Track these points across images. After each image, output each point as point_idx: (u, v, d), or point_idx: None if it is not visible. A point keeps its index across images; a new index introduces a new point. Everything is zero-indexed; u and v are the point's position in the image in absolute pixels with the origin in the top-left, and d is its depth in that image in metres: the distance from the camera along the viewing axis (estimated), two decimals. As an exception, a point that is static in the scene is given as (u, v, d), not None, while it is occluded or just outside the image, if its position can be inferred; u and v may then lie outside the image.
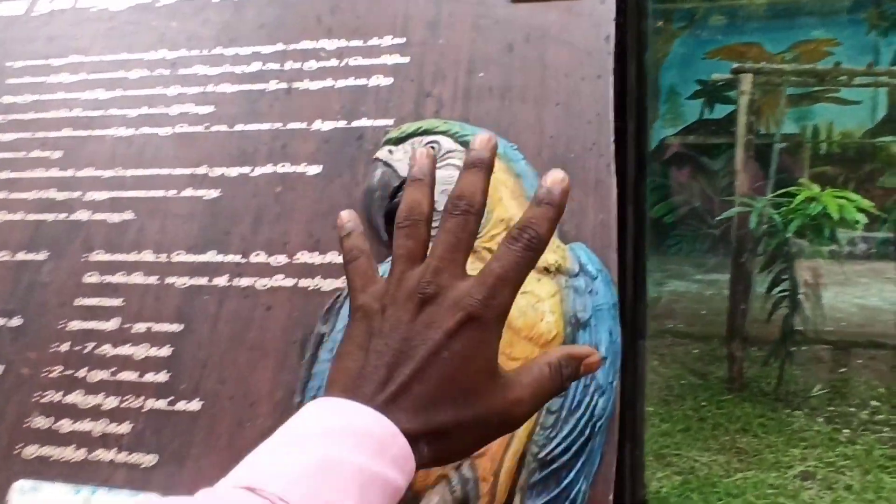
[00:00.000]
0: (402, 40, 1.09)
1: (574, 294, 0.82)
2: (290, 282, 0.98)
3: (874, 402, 4.97)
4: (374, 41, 1.10)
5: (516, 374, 0.57)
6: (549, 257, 0.84)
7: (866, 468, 4.06)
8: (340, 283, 0.95)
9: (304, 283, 0.97)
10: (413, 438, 0.52)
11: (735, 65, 5.37)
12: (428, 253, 0.59)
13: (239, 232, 1.03)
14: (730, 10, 9.26)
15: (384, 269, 0.88)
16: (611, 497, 0.76)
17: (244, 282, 0.99)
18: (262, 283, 0.99)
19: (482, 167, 0.61)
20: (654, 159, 9.51)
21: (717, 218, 5.93)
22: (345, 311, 0.88)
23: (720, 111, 9.15)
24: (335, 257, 0.97)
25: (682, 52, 9.37)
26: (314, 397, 0.86)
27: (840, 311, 6.74)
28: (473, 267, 0.60)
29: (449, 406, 0.53)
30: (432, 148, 0.93)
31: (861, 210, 4.51)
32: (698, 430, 4.70)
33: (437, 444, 0.53)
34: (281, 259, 0.99)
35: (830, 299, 7.15)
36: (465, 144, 0.92)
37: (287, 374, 0.92)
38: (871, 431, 4.55)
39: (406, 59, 1.07)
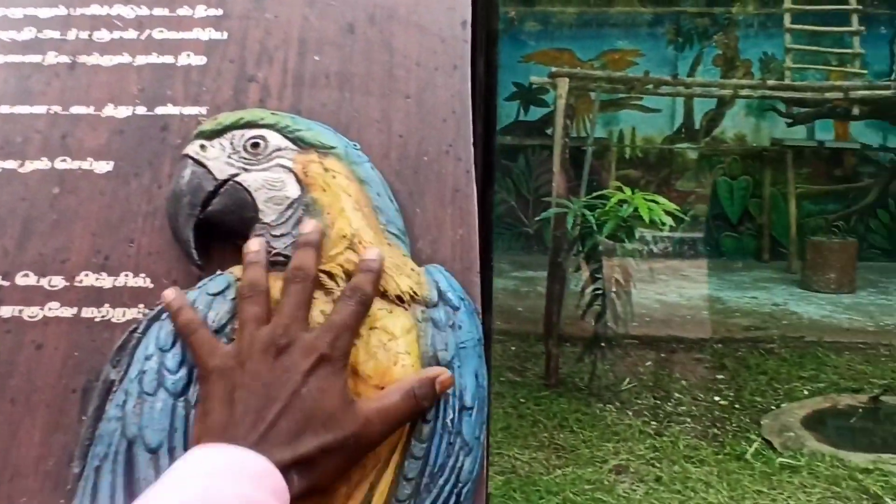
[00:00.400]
0: (219, 12, 0.89)
1: (433, 329, 0.67)
2: (68, 311, 0.76)
3: (677, 395, 5.25)
4: (183, 10, 0.90)
5: (368, 400, 0.64)
6: (402, 283, 0.69)
7: (673, 459, 4.26)
8: (136, 313, 0.74)
9: (87, 312, 0.75)
10: (285, 469, 0.59)
11: (552, 69, 5.46)
12: (274, 314, 0.66)
13: (0, 245, 0.79)
14: (544, 16, 9.55)
15: (193, 295, 0.70)
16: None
17: (4, 311, 0.76)
18: (30, 312, 0.76)
19: (313, 245, 0.69)
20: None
21: (537, 218, 6.04)
22: (142, 351, 0.68)
23: (534, 114, 9.41)
24: (130, 279, 0.76)
25: (501, 54, 9.54)
26: (98, 468, 0.66)
27: (644, 308, 7.11)
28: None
29: (312, 436, 0.61)
30: (257, 144, 0.75)
31: (667, 212, 4.75)
32: (518, 428, 4.74)
33: (306, 472, 0.60)
34: (57, 282, 0.77)
35: (635, 297, 7.53)
36: (296, 141, 0.75)
37: (62, 434, 0.70)
38: (676, 423, 4.79)
39: (223, 35, 0.88)
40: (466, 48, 0.88)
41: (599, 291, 4.96)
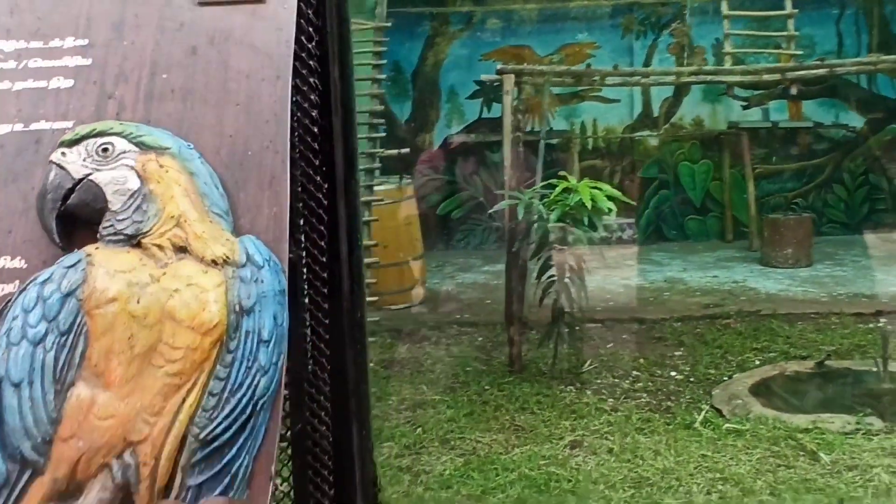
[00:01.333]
0: (85, 41, 1.09)
1: (240, 283, 0.87)
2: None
3: (635, 372, 5.46)
4: (55, 42, 1.09)
5: None
6: (217, 250, 0.89)
7: (625, 432, 4.46)
8: (12, 288, 0.94)
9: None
10: None
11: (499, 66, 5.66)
12: None
13: None
14: (504, 14, 9.74)
15: (51, 269, 0.89)
16: (273, 469, 0.82)
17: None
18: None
19: None
20: (440, 157, 9.84)
21: (489, 212, 6.24)
22: (11, 313, 0.88)
23: (497, 110, 9.56)
24: (8, 262, 0.96)
25: (461, 54, 9.76)
26: None
27: (609, 293, 7.33)
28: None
29: None
30: (106, 149, 0.94)
31: (612, 198, 4.96)
32: (481, 413, 4.93)
33: None
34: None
35: (601, 282, 7.75)
36: (139, 145, 0.95)
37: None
38: (632, 399, 5.00)
39: (88, 61, 1.07)
40: (289, 61, 1.08)
41: (553, 278, 5.15)
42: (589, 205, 4.55)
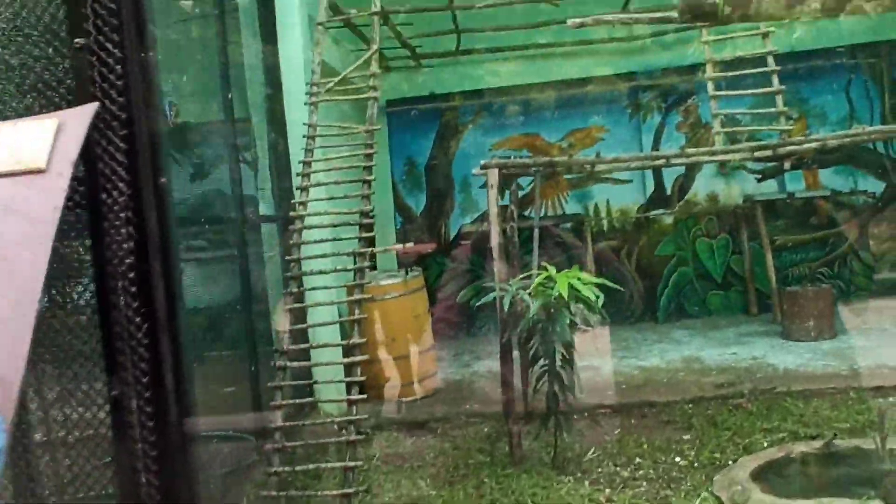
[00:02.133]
0: None
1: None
2: None
3: (638, 459, 5.34)
4: None
5: None
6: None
7: (617, 525, 4.36)
8: None
9: None
10: None
11: (483, 161, 5.80)
12: None
13: None
14: (512, 102, 9.98)
15: None
16: None
17: None
18: None
19: None
20: (454, 246, 9.97)
21: (476, 304, 6.28)
22: None
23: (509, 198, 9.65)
24: None
25: (472, 144, 10.00)
26: None
27: (623, 376, 7.25)
28: None
29: None
30: None
31: (599, 286, 4.98)
32: (476, 509, 4.89)
33: None
34: None
35: (616, 365, 7.69)
36: None
37: None
38: (630, 488, 4.89)
39: None
40: (53, 226, 1.19)
41: (545, 367, 5.14)
42: (566, 296, 4.57)
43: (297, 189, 5.70)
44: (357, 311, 5.07)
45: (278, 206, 6.42)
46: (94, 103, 1.31)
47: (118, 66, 1.33)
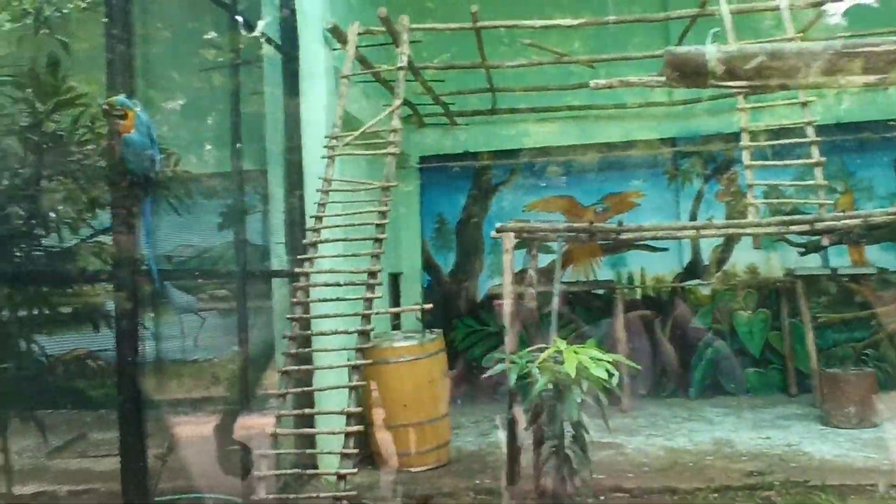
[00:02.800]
0: None
1: None
2: None
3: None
4: None
5: None
6: None
7: None
8: None
9: None
10: None
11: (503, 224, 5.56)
12: None
13: None
14: (548, 164, 9.76)
15: None
16: None
17: None
18: None
19: None
20: (482, 308, 9.68)
21: (483, 375, 5.96)
22: None
23: (545, 262, 9.41)
24: None
25: (505, 205, 9.77)
26: None
27: (647, 457, 6.81)
28: None
29: None
30: None
31: (612, 362, 4.64)
32: None
33: None
34: None
35: (641, 443, 7.25)
36: None
37: None
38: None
39: None
40: None
41: (553, 447, 4.80)
42: (573, 374, 4.25)
43: (304, 244, 5.52)
44: (356, 378, 4.81)
45: (291, 260, 6.24)
46: None
47: None
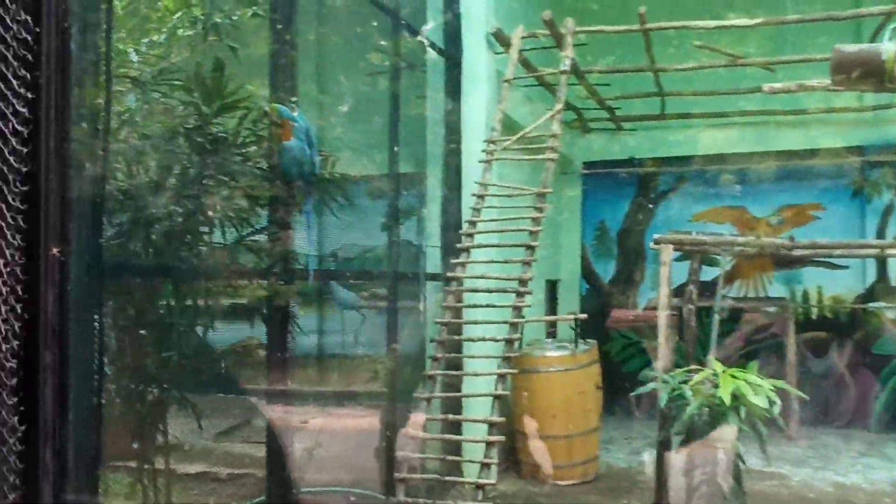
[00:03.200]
0: None
1: None
2: None
3: None
4: None
5: None
6: None
7: None
8: None
9: None
10: None
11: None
12: None
13: None
14: (719, 172, 9.28)
15: None
16: None
17: None
18: None
19: None
20: (641, 319, 9.34)
21: (631, 395, 5.69)
22: None
23: (709, 273, 8.95)
24: None
25: (670, 214, 9.37)
26: None
27: (812, 490, 6.30)
28: None
29: None
30: None
31: (774, 389, 4.30)
32: None
33: None
34: None
35: (807, 476, 6.71)
36: None
37: None
38: None
39: None
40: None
41: (705, 476, 4.51)
42: (728, 400, 3.96)
43: (458, 248, 5.51)
44: (500, 387, 4.74)
45: (445, 263, 6.27)
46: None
47: (24, 110, 1.14)
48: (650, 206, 9.51)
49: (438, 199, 6.48)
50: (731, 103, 8.44)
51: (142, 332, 3.95)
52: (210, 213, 3.64)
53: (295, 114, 3.76)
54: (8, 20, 1.10)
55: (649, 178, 9.48)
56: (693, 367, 4.62)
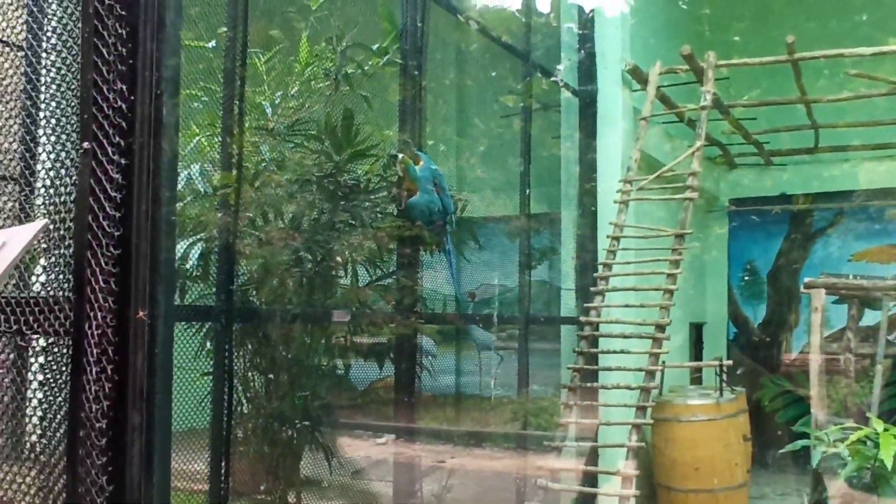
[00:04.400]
0: None
1: None
2: None
3: None
4: None
5: None
6: None
7: None
8: None
9: None
10: None
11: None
12: None
13: None
14: (881, 208, 8.63)
15: None
16: None
17: None
18: None
19: None
20: (796, 366, 8.75)
21: (780, 451, 5.26)
22: None
23: (870, 317, 8.32)
24: None
25: (826, 254, 8.77)
26: None
27: None
28: None
29: None
30: None
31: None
32: None
33: None
34: None
35: None
36: None
37: None
38: None
39: None
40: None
41: (865, 543, 4.10)
42: (889, 463, 3.58)
43: (592, 291, 5.37)
44: (635, 438, 4.53)
45: (579, 306, 6.13)
46: (42, 221, 1.16)
47: (118, 176, 1.17)
48: (804, 244, 8.94)
49: (573, 240, 6.36)
50: (893, 133, 7.83)
51: (277, 373, 4.07)
52: (340, 259, 3.72)
53: (421, 162, 3.80)
54: (105, 90, 1.15)
55: (803, 214, 8.93)
56: (851, 423, 4.23)
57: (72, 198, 1.26)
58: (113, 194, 1.14)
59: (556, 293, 6.40)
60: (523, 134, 5.91)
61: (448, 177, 4.49)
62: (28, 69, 1.48)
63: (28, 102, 1.49)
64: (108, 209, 1.13)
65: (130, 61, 1.15)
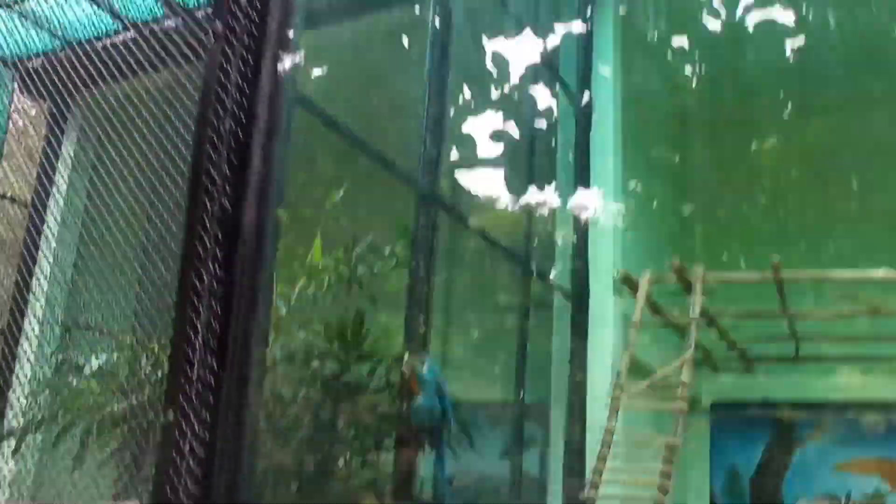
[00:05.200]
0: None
1: None
2: None
3: None
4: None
5: None
6: None
7: None
8: None
9: None
10: None
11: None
12: None
13: None
14: (864, 419, 8.70)
15: None
16: None
17: None
18: None
19: None
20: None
21: None
22: None
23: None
24: None
25: (810, 461, 8.73)
26: None
27: None
28: None
29: None
30: None
31: None
32: None
33: None
34: None
35: None
36: None
37: None
38: None
39: None
40: None
41: None
42: None
43: (581, 499, 5.32)
44: None
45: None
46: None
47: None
48: (787, 451, 8.93)
49: (561, 435, 6.41)
50: (875, 348, 8.03)
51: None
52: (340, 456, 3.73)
53: (425, 368, 3.90)
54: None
55: (785, 421, 8.98)
56: None
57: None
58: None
59: (544, 488, 6.36)
60: (517, 330, 6.07)
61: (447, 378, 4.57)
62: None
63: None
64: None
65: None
